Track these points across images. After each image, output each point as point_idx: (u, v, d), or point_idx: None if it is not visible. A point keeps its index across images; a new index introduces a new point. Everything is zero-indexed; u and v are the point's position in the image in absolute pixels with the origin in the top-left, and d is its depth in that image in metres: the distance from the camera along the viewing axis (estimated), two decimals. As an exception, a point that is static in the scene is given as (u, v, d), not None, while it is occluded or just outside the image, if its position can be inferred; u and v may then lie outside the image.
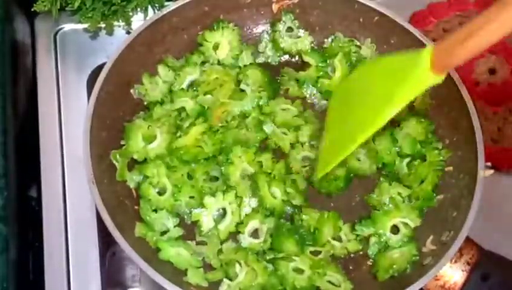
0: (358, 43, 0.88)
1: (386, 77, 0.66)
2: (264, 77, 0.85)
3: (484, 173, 0.74)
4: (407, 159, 0.81)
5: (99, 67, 0.80)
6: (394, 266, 0.74)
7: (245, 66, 0.87)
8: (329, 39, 0.89)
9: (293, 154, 0.81)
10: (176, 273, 0.72)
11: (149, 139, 0.79)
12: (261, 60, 0.89)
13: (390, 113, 0.63)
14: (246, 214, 0.76)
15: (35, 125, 0.90)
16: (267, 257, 0.74)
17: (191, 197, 0.76)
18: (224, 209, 0.76)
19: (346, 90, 0.73)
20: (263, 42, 0.90)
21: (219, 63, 0.86)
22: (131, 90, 0.82)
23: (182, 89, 0.83)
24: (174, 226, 0.76)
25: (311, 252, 0.75)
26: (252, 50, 0.88)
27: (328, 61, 0.87)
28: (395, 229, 0.77)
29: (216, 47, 0.86)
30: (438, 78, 0.60)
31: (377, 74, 0.68)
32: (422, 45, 0.82)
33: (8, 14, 0.90)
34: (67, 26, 0.98)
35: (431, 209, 0.78)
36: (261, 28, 0.90)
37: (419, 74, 0.61)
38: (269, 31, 0.90)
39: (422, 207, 0.78)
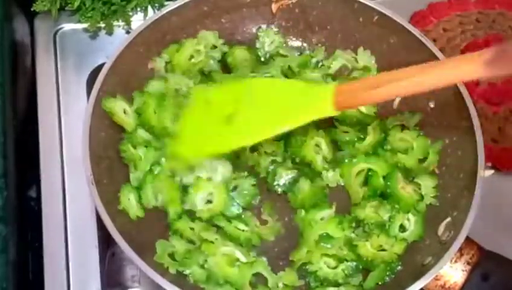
0: (354, 55, 0.89)
1: (288, 97, 0.71)
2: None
3: (484, 173, 0.74)
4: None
5: (99, 67, 0.80)
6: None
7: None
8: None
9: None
10: (175, 274, 0.72)
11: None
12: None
13: (280, 129, 0.69)
14: None
15: (35, 125, 0.90)
16: None
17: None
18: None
19: (230, 94, 0.75)
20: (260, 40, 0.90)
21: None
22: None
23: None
24: None
25: None
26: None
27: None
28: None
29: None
30: (334, 113, 0.66)
31: (280, 92, 0.72)
32: (422, 45, 0.82)
33: (7, 14, 0.90)
34: (67, 26, 0.98)
35: (431, 209, 0.78)
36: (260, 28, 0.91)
37: (320, 105, 0.67)
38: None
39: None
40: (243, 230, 0.76)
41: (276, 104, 0.71)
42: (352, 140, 0.82)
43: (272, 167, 0.81)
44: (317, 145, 0.81)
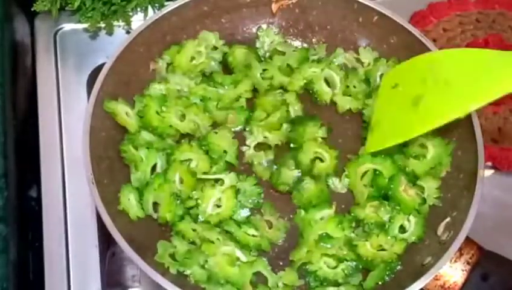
0: (355, 55, 0.89)
1: (480, 70, 0.65)
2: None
3: (484, 173, 0.74)
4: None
5: (99, 67, 0.80)
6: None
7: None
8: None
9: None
10: (176, 274, 0.72)
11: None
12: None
13: (472, 107, 0.64)
14: None
15: (35, 125, 0.90)
16: None
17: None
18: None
19: (416, 73, 0.73)
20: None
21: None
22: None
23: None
24: None
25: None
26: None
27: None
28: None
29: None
30: None
31: (464, 66, 0.68)
32: (422, 45, 0.82)
33: (8, 14, 0.90)
34: (67, 26, 0.98)
35: (431, 209, 0.78)
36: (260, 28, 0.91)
37: None
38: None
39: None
40: (253, 235, 0.76)
41: (467, 78, 0.66)
42: None
43: (275, 167, 0.81)
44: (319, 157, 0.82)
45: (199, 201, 0.76)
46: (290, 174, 0.80)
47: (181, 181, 0.77)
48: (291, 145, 0.82)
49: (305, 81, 0.86)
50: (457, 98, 0.66)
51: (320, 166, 0.81)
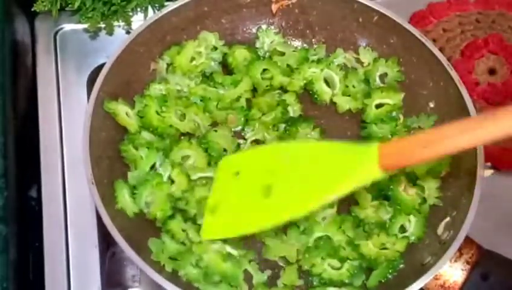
0: (355, 55, 0.89)
1: (330, 163, 0.65)
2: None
3: (484, 173, 0.74)
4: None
5: (99, 67, 0.80)
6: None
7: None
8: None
9: None
10: (175, 273, 0.72)
11: None
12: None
13: (326, 199, 0.63)
14: None
15: (35, 125, 0.90)
16: None
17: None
18: None
19: (261, 163, 0.72)
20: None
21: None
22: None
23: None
24: None
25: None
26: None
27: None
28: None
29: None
30: (383, 175, 0.61)
31: (321, 157, 0.67)
32: (422, 45, 0.82)
33: (8, 14, 0.90)
34: (67, 26, 0.98)
35: (431, 209, 0.78)
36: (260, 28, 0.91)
37: (365, 168, 0.61)
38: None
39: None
40: None
41: (317, 170, 0.66)
42: (386, 136, 0.82)
43: None
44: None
45: (189, 200, 0.76)
46: None
47: (174, 181, 0.77)
48: None
49: (304, 81, 0.87)
50: (310, 190, 0.65)
51: None
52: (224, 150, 0.80)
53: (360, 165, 0.62)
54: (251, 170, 0.73)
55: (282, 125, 0.83)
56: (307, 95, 0.87)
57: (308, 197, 0.65)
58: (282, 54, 0.88)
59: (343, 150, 0.66)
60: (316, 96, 0.86)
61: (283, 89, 0.86)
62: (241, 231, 0.71)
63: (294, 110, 0.85)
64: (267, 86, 0.85)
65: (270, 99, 0.84)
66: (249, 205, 0.70)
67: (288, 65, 0.87)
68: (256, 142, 0.82)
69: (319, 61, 0.87)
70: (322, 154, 0.67)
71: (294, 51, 0.89)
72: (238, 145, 0.82)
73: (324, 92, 0.86)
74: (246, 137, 0.82)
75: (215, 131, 0.81)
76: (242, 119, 0.83)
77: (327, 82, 0.87)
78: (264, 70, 0.86)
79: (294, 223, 0.77)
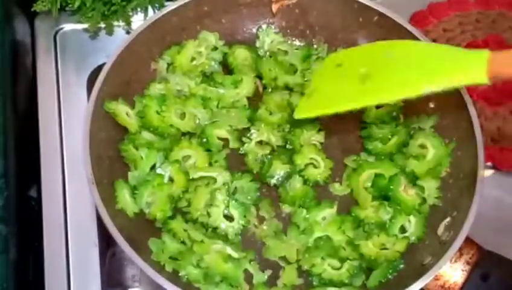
0: None
1: (434, 60, 0.68)
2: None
3: (484, 173, 0.74)
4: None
5: (99, 67, 0.80)
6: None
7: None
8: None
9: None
10: (175, 273, 0.72)
11: None
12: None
13: (423, 89, 0.65)
14: None
15: (35, 125, 0.90)
16: None
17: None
18: None
19: (364, 56, 0.75)
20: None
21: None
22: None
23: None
24: None
25: None
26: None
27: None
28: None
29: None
30: (487, 81, 0.62)
31: (424, 55, 0.70)
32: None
33: (8, 14, 0.90)
34: (67, 26, 0.98)
35: (431, 209, 0.78)
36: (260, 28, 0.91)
37: (471, 71, 0.63)
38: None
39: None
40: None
41: (418, 66, 0.69)
42: (386, 137, 0.82)
43: (269, 157, 0.81)
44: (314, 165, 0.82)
45: (191, 201, 0.77)
46: (280, 167, 0.80)
47: (174, 180, 0.77)
48: (287, 146, 0.82)
49: (306, 80, 0.86)
50: (409, 79, 0.68)
51: (313, 171, 0.81)
52: (223, 146, 0.81)
53: (467, 67, 0.64)
54: (353, 61, 0.76)
55: (285, 127, 0.83)
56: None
57: (406, 83, 0.68)
58: (285, 52, 0.88)
59: (450, 52, 0.68)
60: None
61: (288, 89, 0.86)
62: (335, 108, 0.73)
63: None
64: (274, 86, 0.86)
65: (280, 99, 0.85)
66: (346, 89, 0.73)
67: (291, 64, 0.87)
68: (261, 143, 0.82)
69: (320, 59, 0.87)
70: (427, 52, 0.71)
71: (296, 49, 0.89)
72: (240, 140, 0.82)
73: None
74: (252, 138, 0.82)
75: (214, 122, 0.81)
76: (244, 118, 0.83)
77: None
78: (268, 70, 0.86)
79: (294, 223, 0.78)
